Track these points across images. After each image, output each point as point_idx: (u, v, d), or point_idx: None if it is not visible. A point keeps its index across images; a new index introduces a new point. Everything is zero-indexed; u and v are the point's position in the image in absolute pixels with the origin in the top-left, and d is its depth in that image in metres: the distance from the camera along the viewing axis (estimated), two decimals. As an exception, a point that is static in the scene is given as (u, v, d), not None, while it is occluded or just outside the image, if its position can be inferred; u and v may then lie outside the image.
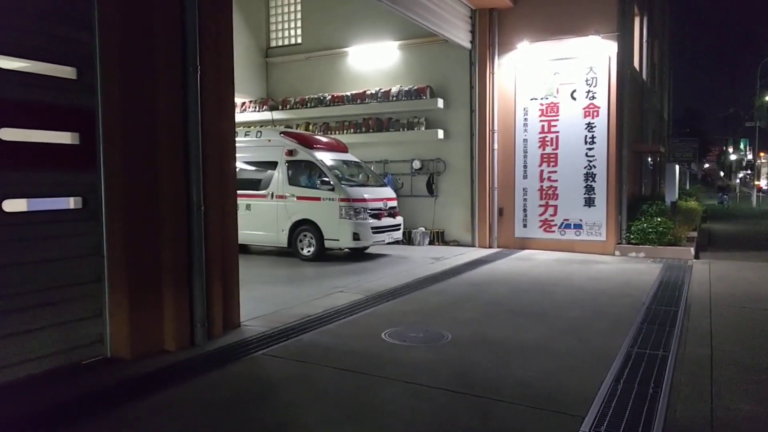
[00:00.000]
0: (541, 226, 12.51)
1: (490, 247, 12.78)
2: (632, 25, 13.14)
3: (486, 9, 12.57)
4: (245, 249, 11.87)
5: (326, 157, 11.33)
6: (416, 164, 13.62)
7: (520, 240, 12.70)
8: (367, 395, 4.24)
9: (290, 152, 11.31)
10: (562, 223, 12.29)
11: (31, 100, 4.46)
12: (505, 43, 12.65)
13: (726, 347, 5.39)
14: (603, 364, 4.85)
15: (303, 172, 11.25)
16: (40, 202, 4.69)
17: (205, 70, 5.38)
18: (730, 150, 64.14)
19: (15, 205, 4.49)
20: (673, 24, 27.90)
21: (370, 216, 10.83)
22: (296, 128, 14.27)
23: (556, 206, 12.35)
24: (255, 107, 15.34)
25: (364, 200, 10.84)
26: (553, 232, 12.38)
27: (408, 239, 13.17)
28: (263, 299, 7.26)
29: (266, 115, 15.06)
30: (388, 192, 11.81)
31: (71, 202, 4.85)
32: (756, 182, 40.90)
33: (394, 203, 11.74)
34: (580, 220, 12.10)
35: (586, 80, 11.89)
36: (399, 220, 11.75)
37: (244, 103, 15.36)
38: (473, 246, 12.90)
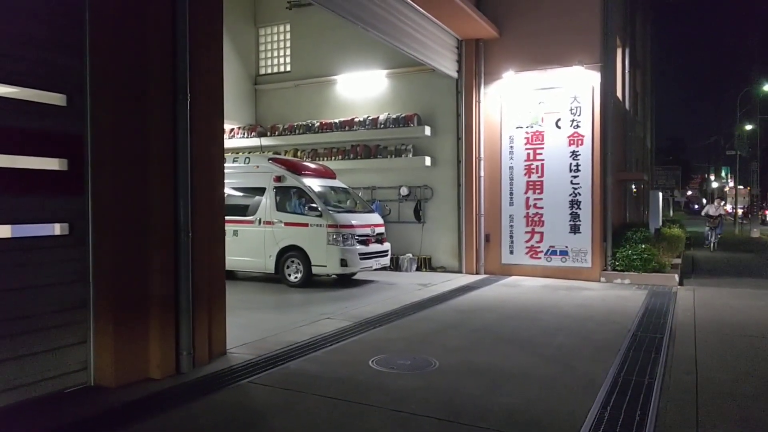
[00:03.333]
0: (527, 253, 12.59)
1: (476, 273, 12.81)
2: (615, 56, 13.46)
3: (472, 39, 12.82)
4: (232, 275, 11.80)
5: (314, 184, 11.37)
6: (404, 191, 13.70)
7: (506, 266, 12.75)
8: (354, 424, 4.21)
9: (278, 178, 11.34)
10: (548, 249, 12.37)
11: (19, 126, 4.47)
12: (491, 73, 12.88)
13: (711, 374, 5.43)
14: (590, 391, 4.87)
15: (291, 198, 11.26)
16: (26, 228, 4.67)
17: (195, 98, 5.43)
18: (712, 178, 65.16)
19: None
20: (655, 55, 28.58)
21: (357, 242, 10.83)
22: (284, 155, 14.33)
23: (542, 233, 12.45)
24: (244, 133, 15.40)
25: (352, 226, 10.85)
26: (540, 258, 12.45)
27: (395, 265, 13.16)
28: (250, 326, 7.21)
29: (255, 142, 15.12)
30: (375, 218, 11.84)
31: (57, 228, 4.83)
32: (724, 207, 41.50)
33: (382, 229, 11.77)
34: (566, 247, 12.20)
35: (571, 109, 12.10)
36: (386, 246, 11.76)
37: (232, 130, 15.41)
38: (460, 272, 12.92)
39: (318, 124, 14.51)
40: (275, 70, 15.90)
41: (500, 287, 11.08)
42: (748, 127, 31.97)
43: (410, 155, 13.59)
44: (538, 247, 12.48)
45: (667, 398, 4.77)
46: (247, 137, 15.30)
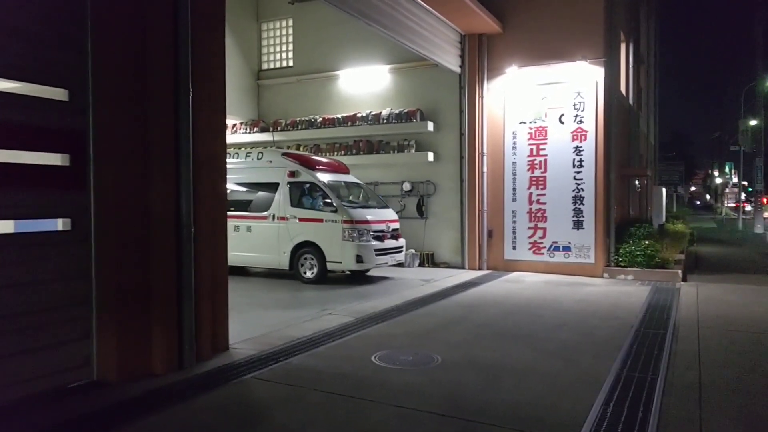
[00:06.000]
0: (530, 249, 12.57)
1: (479, 269, 12.80)
2: (618, 51, 13.40)
3: (475, 34, 12.77)
4: (243, 271, 11.80)
5: (329, 179, 11.25)
6: (406, 186, 13.67)
7: (509, 262, 12.73)
8: (357, 419, 4.21)
9: (292, 173, 11.21)
10: (551, 245, 12.35)
11: (21, 121, 4.46)
12: (494, 68, 12.83)
13: (714, 370, 5.41)
14: (593, 388, 4.86)
15: (305, 194, 11.13)
16: (29, 224, 4.67)
17: (196, 93, 5.42)
18: (716, 173, 65.03)
19: (2, 227, 4.46)
20: (659, 50, 28.43)
21: (373, 238, 10.72)
22: (287, 150, 14.30)
23: (545, 229, 12.43)
24: (246, 129, 15.40)
25: (367, 222, 10.72)
26: (543, 254, 12.43)
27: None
28: (254, 321, 7.21)
29: (257, 137, 15.10)
30: (390, 214, 11.71)
31: (60, 224, 4.83)
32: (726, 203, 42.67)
33: (397, 225, 11.63)
34: (569, 243, 12.17)
35: (574, 105, 12.06)
36: (401, 242, 11.63)
37: (235, 125, 15.41)
38: (463, 268, 12.91)
39: (320, 119, 14.49)
40: (278, 65, 15.87)
41: (503, 283, 11.07)
42: (753, 123, 31.79)
43: (413, 151, 13.57)
44: (541, 242, 12.45)
45: (670, 394, 4.75)
46: (250, 132, 15.30)
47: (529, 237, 12.58)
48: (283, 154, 11.75)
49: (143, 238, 5.09)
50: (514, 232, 12.74)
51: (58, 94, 4.71)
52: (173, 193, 5.28)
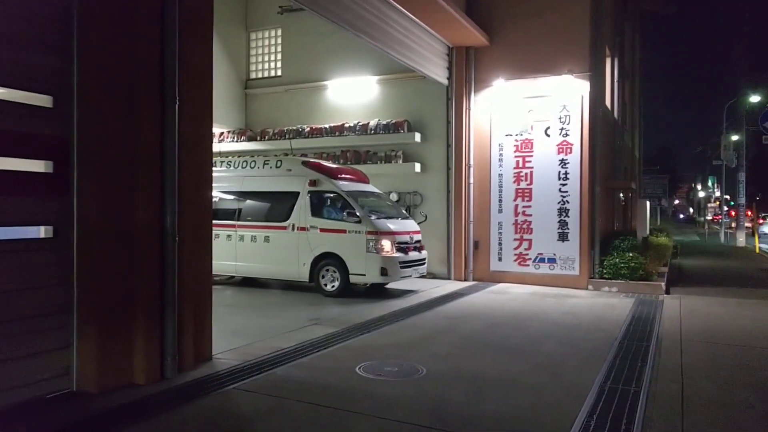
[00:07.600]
0: (515, 260, 12.62)
1: (465, 280, 12.82)
2: (604, 66, 13.56)
3: (463, 47, 12.87)
4: (260, 282, 11.62)
5: (351, 188, 10.90)
6: (393, 197, 13.66)
7: (495, 273, 12.77)
8: (340, 431, 4.17)
9: (313, 182, 10.83)
10: (537, 257, 12.41)
11: (4, 127, 4.41)
12: (481, 80, 12.93)
13: (697, 383, 5.45)
14: (577, 400, 4.87)
15: (327, 203, 10.78)
16: (10, 231, 4.60)
17: (183, 101, 5.39)
18: (699, 187, 65.81)
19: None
20: (644, 65, 28.84)
21: (397, 250, 10.39)
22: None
23: (530, 240, 12.49)
24: (233, 137, 15.34)
25: (392, 233, 10.37)
26: (528, 265, 12.48)
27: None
28: (236, 331, 7.15)
29: (243, 146, 15.03)
30: (412, 225, 11.37)
31: (42, 231, 4.77)
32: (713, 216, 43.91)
33: (419, 236, 11.29)
34: (554, 255, 12.24)
35: (560, 118, 12.17)
36: (424, 254, 11.27)
37: (222, 134, 15.35)
38: (449, 279, 12.92)
39: (308, 129, 14.48)
40: (266, 74, 15.87)
41: (489, 294, 11.09)
42: (735, 138, 32.24)
43: (400, 161, 13.60)
44: (527, 254, 12.51)
45: (653, 407, 4.78)
46: (237, 141, 15.24)
47: (515, 248, 12.63)
48: (303, 162, 11.36)
49: (126, 247, 5.04)
50: (500, 244, 12.79)
51: (42, 100, 4.67)
52: (158, 201, 5.23)
